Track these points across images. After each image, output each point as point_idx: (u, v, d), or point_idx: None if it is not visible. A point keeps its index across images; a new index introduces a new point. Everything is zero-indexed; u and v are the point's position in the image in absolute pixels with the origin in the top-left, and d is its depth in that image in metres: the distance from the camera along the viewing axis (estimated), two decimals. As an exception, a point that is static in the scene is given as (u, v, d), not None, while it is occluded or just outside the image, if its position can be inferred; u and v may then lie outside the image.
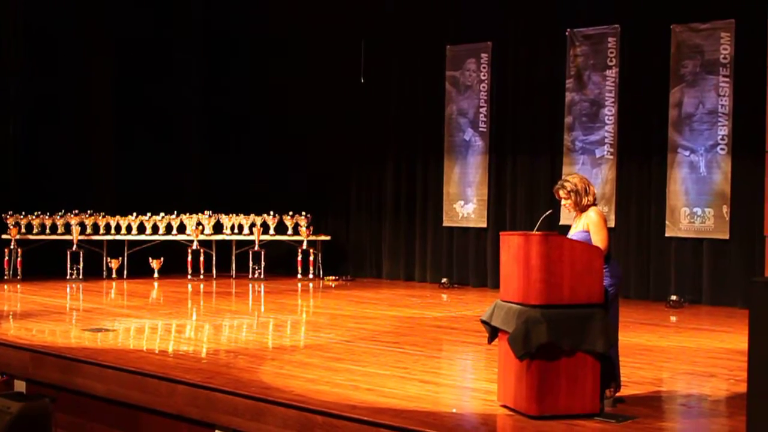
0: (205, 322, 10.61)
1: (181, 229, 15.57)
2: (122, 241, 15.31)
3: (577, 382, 5.77)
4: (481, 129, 14.58)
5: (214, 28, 17.58)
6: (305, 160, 16.48)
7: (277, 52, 16.79)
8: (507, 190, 14.32)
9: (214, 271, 15.52)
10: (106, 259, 15.18)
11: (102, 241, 15.23)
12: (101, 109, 16.43)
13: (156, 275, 15.19)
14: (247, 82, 17.16)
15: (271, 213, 15.61)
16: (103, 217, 15.40)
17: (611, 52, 13.18)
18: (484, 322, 6.26)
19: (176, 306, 12.07)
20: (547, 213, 6.66)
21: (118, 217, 15.45)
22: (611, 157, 13.18)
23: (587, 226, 6.19)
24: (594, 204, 6.30)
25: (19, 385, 8.04)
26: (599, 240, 6.09)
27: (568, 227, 6.47)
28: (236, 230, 15.71)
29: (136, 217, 15.46)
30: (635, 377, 7.06)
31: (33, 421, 6.73)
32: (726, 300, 12.00)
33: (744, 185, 11.93)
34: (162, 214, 15.53)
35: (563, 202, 6.35)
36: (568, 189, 6.29)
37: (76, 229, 14.78)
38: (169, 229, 15.56)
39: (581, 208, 6.27)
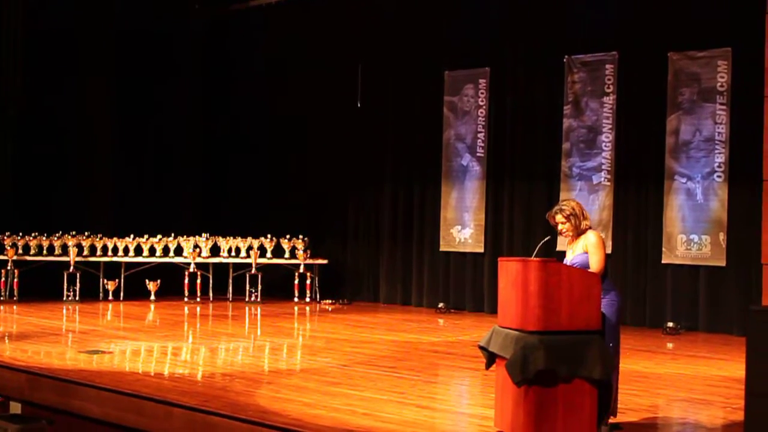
0: (202, 345, 10.60)
1: (178, 251, 15.57)
2: (119, 263, 15.30)
3: (575, 409, 5.77)
4: (478, 154, 14.63)
5: (212, 51, 17.66)
6: (303, 183, 16.52)
7: (274, 75, 16.87)
8: (504, 215, 14.34)
9: (210, 294, 15.50)
10: (103, 281, 15.16)
11: (99, 262, 15.21)
12: (99, 131, 16.49)
13: (153, 297, 15.15)
14: (244, 106, 17.23)
15: (269, 236, 15.62)
16: (101, 238, 15.40)
17: (609, 79, 13.25)
18: (481, 347, 6.26)
19: (173, 328, 12.05)
20: (545, 240, 6.66)
21: (115, 238, 15.46)
22: (608, 183, 13.22)
23: (586, 247, 6.21)
24: (590, 227, 6.33)
25: (15, 407, 8.00)
26: (596, 261, 6.10)
27: (565, 253, 6.48)
28: (233, 253, 15.70)
29: (134, 239, 15.45)
30: (631, 404, 7.05)
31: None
32: (722, 327, 12.00)
33: (741, 212, 11.95)
34: (159, 236, 15.53)
35: (560, 227, 6.36)
36: (567, 213, 6.30)
37: (73, 251, 14.77)
38: (166, 251, 15.55)
39: (579, 232, 6.29)
